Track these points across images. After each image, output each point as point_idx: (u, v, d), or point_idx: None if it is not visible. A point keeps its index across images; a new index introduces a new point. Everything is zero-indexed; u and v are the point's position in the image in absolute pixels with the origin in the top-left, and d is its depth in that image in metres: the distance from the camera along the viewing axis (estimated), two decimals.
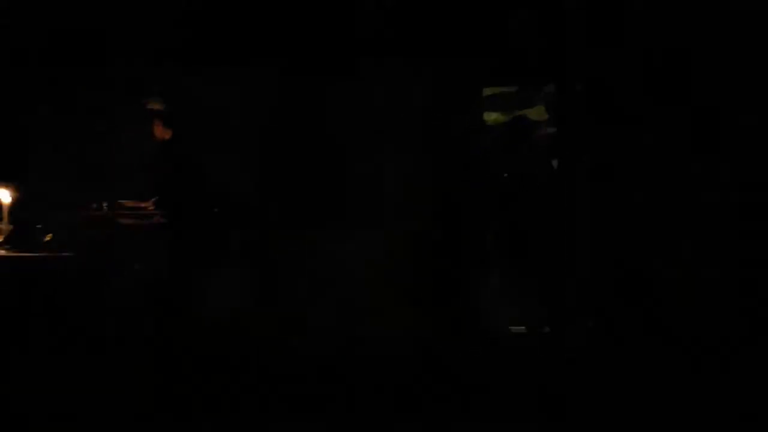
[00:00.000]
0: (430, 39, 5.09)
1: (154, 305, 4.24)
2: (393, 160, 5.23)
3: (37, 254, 3.10)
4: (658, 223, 4.72)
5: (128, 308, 3.96)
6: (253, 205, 4.87)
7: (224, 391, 3.23)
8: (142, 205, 4.29)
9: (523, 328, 4.67)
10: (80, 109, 5.59)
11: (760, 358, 3.61)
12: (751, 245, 4.48)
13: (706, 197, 4.64)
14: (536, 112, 5.68)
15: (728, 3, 4.56)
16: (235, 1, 4.76)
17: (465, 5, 4.86)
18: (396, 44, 5.13)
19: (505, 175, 4.72)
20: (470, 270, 5.04)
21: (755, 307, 4.25)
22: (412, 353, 4.12)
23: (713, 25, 4.60)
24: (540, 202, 4.47)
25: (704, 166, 4.72)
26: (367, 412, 3.12)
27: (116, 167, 5.06)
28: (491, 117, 5.55)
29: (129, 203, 4.28)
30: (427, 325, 4.62)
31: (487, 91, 5.51)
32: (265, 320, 5.06)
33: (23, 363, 2.78)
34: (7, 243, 3.09)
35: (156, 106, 4.00)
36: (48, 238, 3.17)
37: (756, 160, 4.66)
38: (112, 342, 3.22)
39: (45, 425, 2.63)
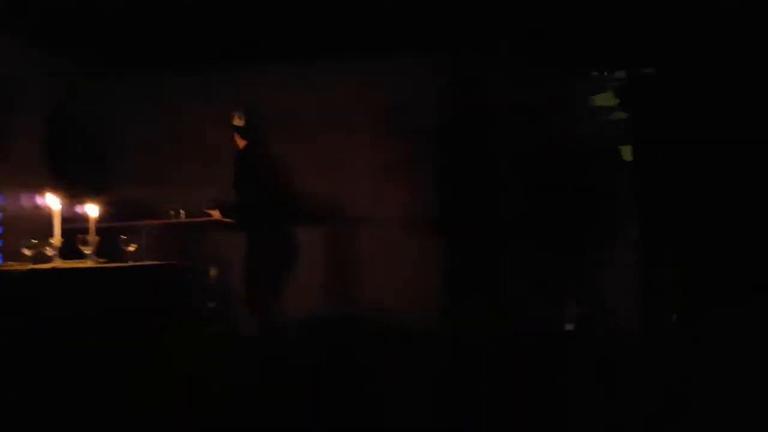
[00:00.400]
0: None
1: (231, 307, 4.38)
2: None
3: (123, 264, 3.25)
4: (732, 214, 4.47)
5: (211, 310, 4.13)
6: None
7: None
8: (210, 212, 4.44)
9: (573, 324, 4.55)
10: (167, 121, 5.85)
11: None
12: None
13: None
14: (604, 98, 5.51)
15: None
16: None
17: None
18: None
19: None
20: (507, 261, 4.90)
21: None
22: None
23: None
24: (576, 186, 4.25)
25: None
26: None
27: (201, 175, 5.25)
28: None
29: (212, 212, 4.44)
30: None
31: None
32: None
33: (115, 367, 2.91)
34: (96, 254, 3.24)
35: (238, 121, 4.18)
36: (133, 248, 3.31)
37: None
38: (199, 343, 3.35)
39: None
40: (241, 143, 4.25)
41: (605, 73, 5.25)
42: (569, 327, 5.05)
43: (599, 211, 4.32)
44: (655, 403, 3.16)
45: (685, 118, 4.61)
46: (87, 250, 3.22)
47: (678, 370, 3.61)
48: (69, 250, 3.27)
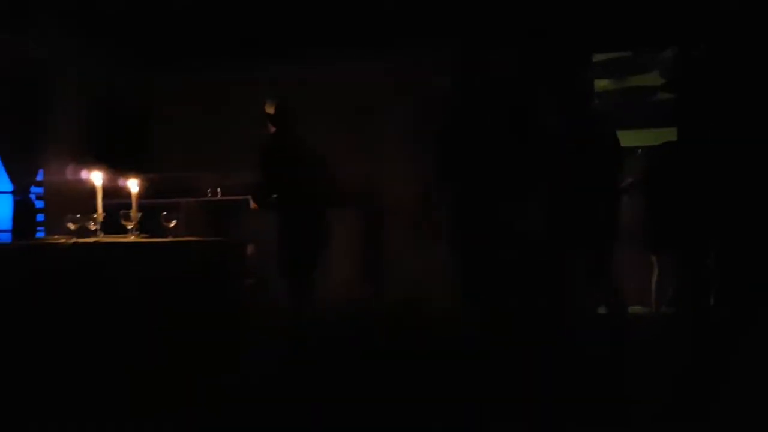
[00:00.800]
0: None
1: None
2: None
3: (163, 239, 3.28)
4: None
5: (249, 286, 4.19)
6: None
7: None
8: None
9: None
10: (202, 104, 5.90)
11: None
12: None
13: None
14: (650, 79, 5.35)
15: None
16: None
17: None
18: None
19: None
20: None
21: None
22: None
23: None
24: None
25: None
26: None
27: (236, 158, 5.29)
28: (601, 84, 5.27)
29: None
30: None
31: (599, 57, 5.24)
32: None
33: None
34: (137, 229, 3.28)
35: (269, 109, 4.25)
36: (173, 224, 3.35)
37: None
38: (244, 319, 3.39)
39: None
40: (271, 129, 4.32)
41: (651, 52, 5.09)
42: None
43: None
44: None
45: (736, 100, 4.44)
46: (129, 225, 3.27)
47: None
48: (111, 224, 3.32)
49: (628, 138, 5.65)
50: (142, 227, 3.34)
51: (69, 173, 4.99)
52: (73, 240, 3.10)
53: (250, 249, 5.24)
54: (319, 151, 4.37)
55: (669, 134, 4.78)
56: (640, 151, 4.98)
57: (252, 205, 4.38)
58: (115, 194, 3.74)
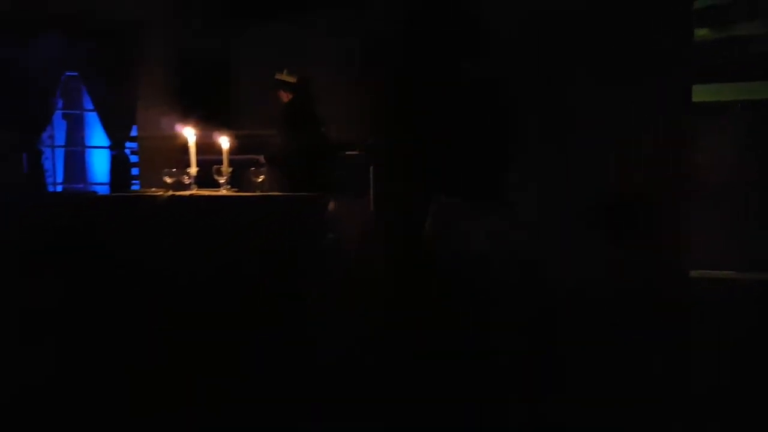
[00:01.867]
0: None
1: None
2: None
3: (253, 194, 3.40)
4: None
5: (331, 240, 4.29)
6: None
7: None
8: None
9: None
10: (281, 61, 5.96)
11: None
12: None
13: None
14: (752, 27, 4.99)
15: None
16: None
17: None
18: None
19: None
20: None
21: None
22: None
23: None
24: None
25: None
26: None
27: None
28: (699, 33, 4.94)
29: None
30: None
31: (697, 5, 4.90)
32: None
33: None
34: (228, 184, 3.41)
35: (283, 77, 4.44)
36: (261, 179, 3.45)
37: None
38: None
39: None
40: (286, 97, 4.42)
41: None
42: None
43: None
44: None
45: None
46: (221, 180, 3.39)
47: None
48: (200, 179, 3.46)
49: (727, 92, 5.33)
50: (234, 182, 3.47)
51: (161, 129, 5.21)
52: (170, 193, 3.26)
53: (331, 205, 5.35)
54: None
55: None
56: (740, 106, 4.69)
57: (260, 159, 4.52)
58: (201, 150, 3.88)
